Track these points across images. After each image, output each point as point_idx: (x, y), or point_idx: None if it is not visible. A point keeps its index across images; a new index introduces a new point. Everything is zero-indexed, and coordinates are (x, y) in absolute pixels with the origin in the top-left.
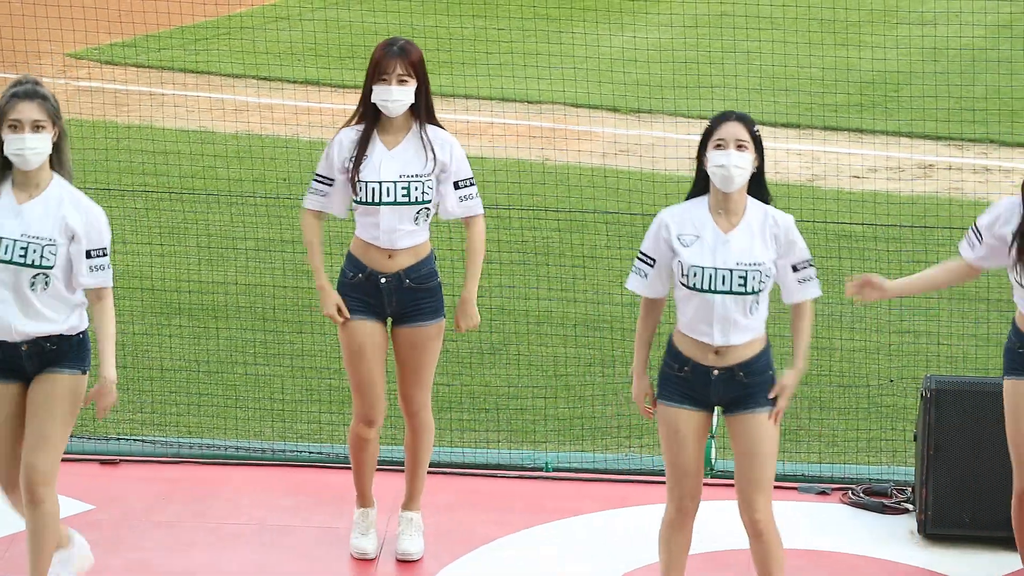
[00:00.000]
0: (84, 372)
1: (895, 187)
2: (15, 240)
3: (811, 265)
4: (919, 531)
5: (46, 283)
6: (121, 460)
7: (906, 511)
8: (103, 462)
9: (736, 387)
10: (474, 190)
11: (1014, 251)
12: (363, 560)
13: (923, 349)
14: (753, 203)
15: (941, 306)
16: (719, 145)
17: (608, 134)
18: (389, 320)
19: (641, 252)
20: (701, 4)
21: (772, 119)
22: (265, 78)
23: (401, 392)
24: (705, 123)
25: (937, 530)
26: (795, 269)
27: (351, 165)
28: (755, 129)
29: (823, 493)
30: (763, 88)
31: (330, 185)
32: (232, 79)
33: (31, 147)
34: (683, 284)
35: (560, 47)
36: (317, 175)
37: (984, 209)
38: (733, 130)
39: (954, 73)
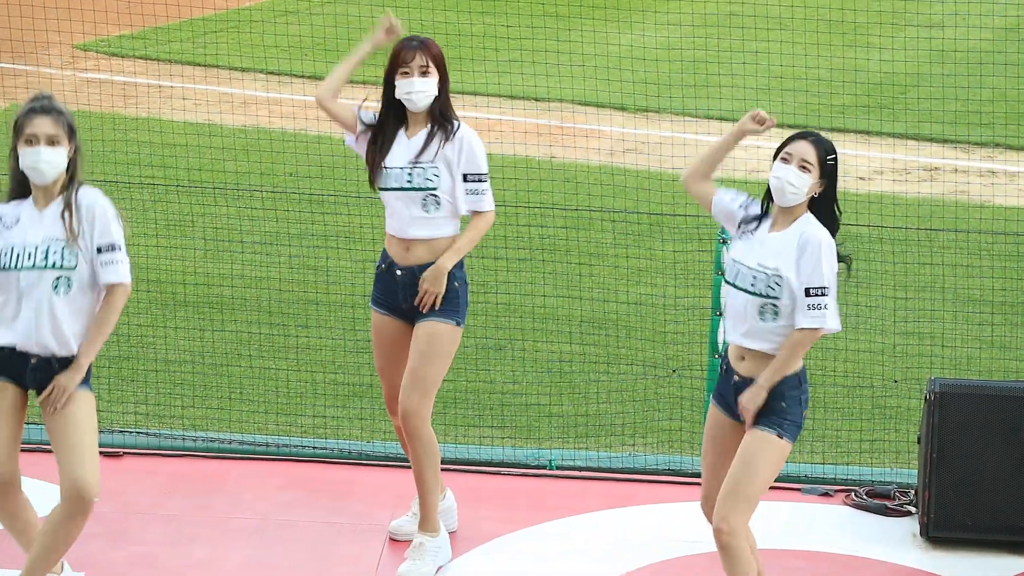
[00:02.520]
0: (89, 388)
1: (901, 189)
2: (37, 246)
3: (824, 294)
4: (921, 533)
5: (68, 285)
6: (124, 453)
7: (908, 513)
8: (107, 454)
9: None
10: (484, 186)
11: None
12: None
13: (927, 351)
14: (806, 221)
15: (945, 308)
16: (784, 159)
17: (615, 132)
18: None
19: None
20: (709, 4)
21: (779, 120)
22: (272, 72)
23: (401, 388)
24: (718, 123)
25: (939, 533)
26: (807, 293)
27: (370, 145)
28: (829, 157)
29: (826, 495)
30: (770, 88)
31: (363, 124)
32: (240, 72)
33: (46, 160)
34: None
35: (568, 45)
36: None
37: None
38: (802, 149)
39: (961, 76)
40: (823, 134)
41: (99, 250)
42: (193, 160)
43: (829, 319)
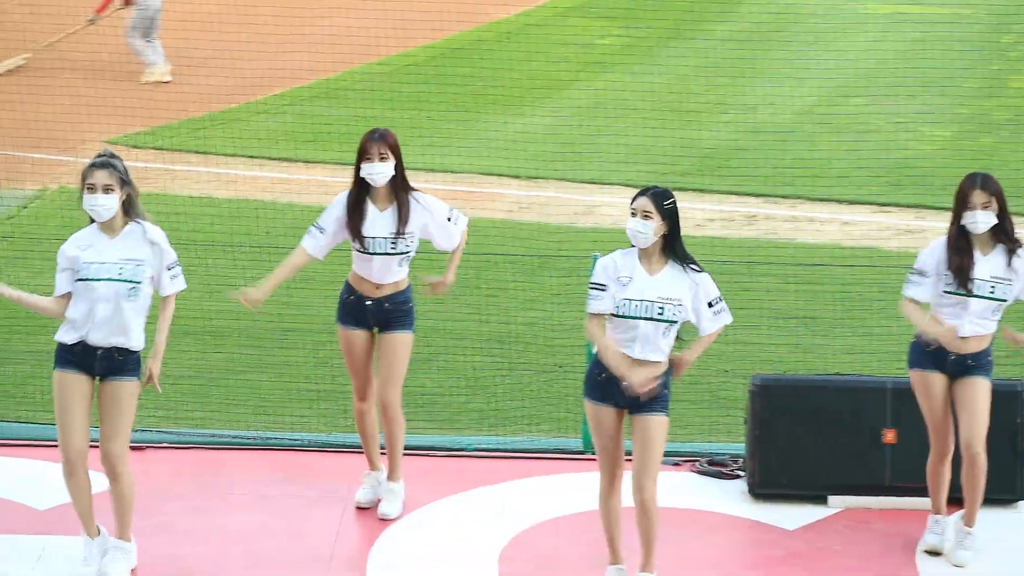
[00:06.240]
0: (138, 379)
1: (727, 233)
2: (115, 263)
3: (721, 300)
4: (749, 492)
5: (136, 294)
6: (147, 446)
7: (739, 477)
8: (134, 447)
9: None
10: (457, 213)
11: None
12: (362, 509)
13: (748, 352)
14: (675, 260)
15: (761, 320)
16: (632, 213)
17: (511, 195)
18: (376, 329)
19: (595, 283)
20: (580, 94)
21: (635, 182)
22: (251, 156)
23: (378, 386)
24: (591, 186)
25: (762, 490)
26: (710, 305)
27: (348, 222)
28: (666, 203)
29: (676, 464)
30: (628, 158)
31: (323, 232)
32: (227, 157)
33: (101, 204)
34: (614, 313)
35: (476, 127)
36: (317, 223)
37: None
38: (641, 203)
39: (771, 145)
40: (661, 187)
41: (168, 268)
42: (197, 224)
43: (728, 314)
